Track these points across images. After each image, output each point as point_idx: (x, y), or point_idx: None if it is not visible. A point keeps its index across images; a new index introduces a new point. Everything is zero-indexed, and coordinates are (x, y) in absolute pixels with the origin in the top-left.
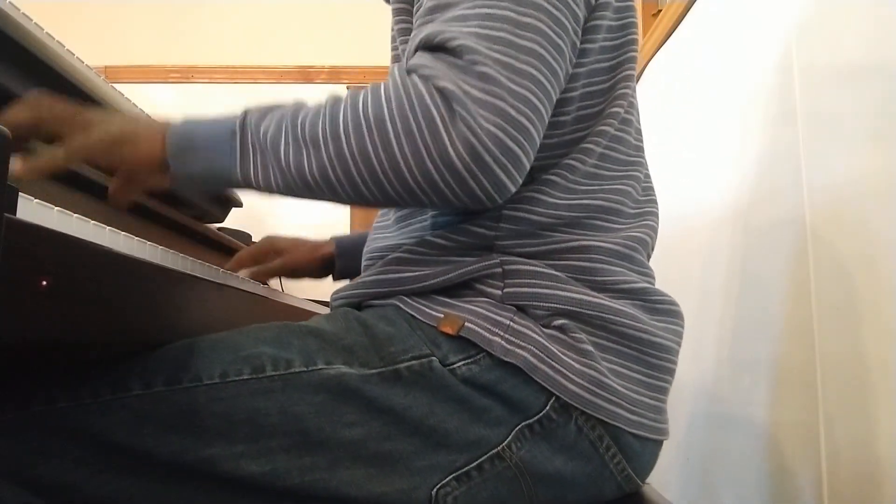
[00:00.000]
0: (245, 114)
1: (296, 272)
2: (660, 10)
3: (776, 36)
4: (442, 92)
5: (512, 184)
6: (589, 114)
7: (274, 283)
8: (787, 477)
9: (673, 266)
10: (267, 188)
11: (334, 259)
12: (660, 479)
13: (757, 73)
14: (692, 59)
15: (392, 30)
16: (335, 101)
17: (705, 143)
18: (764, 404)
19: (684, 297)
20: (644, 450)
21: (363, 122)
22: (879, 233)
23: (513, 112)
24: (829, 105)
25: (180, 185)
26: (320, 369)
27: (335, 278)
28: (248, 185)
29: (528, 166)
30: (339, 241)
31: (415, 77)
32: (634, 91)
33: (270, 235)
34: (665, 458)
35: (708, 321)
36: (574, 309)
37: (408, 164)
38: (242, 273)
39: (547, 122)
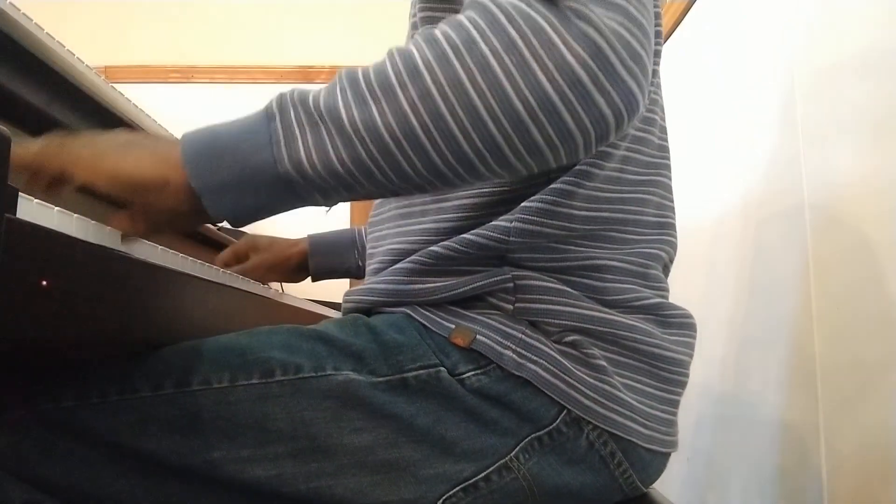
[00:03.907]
0: (281, 94)
1: (269, 272)
2: None
3: (776, 36)
4: None
5: (642, 94)
6: None
7: (274, 284)
8: (789, 477)
9: (677, 266)
10: (327, 170)
11: (308, 258)
12: (661, 479)
13: (757, 73)
14: (692, 59)
15: (413, 17)
16: (399, 48)
17: (705, 143)
18: (766, 404)
19: (687, 297)
20: (653, 462)
21: (448, 50)
22: (879, 231)
23: (634, 11)
24: (829, 105)
25: (209, 209)
26: (329, 375)
27: (313, 279)
28: (301, 173)
29: (651, 78)
30: (313, 240)
31: None
32: (658, 87)
33: (251, 234)
34: None
35: (710, 321)
36: (586, 325)
37: (515, 84)
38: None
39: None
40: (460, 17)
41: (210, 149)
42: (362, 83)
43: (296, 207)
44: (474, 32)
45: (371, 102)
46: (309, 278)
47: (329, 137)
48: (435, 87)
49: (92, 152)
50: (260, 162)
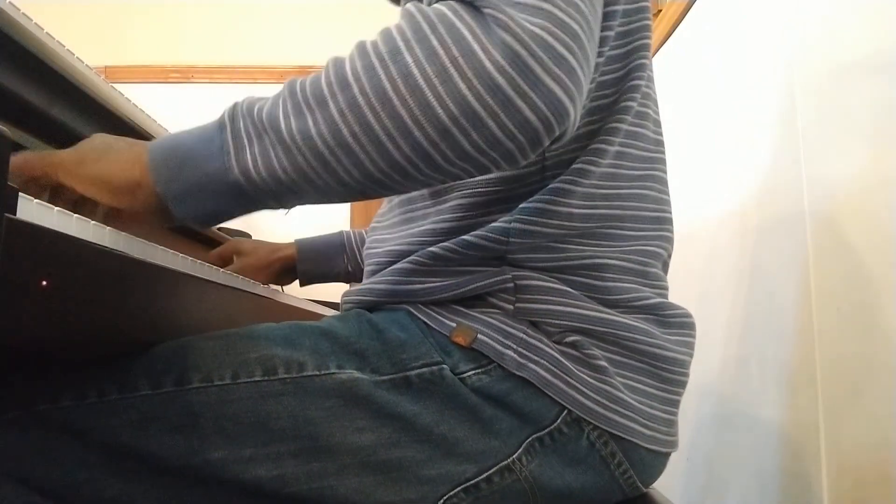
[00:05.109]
0: (233, 105)
1: (252, 276)
2: (660, 10)
3: (776, 36)
4: (467, 3)
5: (569, 100)
6: (601, 105)
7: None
8: (789, 477)
9: (676, 267)
10: (272, 178)
11: (295, 263)
12: (661, 479)
13: (757, 74)
14: (692, 59)
15: None
16: (336, 58)
17: (705, 144)
18: (766, 404)
19: (686, 297)
20: (654, 462)
21: (375, 60)
22: (879, 231)
23: (561, 14)
24: (829, 105)
25: (175, 212)
26: (332, 373)
27: (301, 284)
28: (249, 181)
29: (584, 82)
30: (301, 245)
31: (430, 2)
32: (650, 80)
33: (236, 238)
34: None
35: (710, 321)
36: (586, 326)
37: (436, 92)
38: None
39: (595, 51)
40: (391, 26)
41: (171, 157)
42: (299, 94)
43: (253, 211)
44: (400, 42)
45: (306, 113)
46: (297, 283)
47: (272, 147)
48: (362, 96)
49: (72, 157)
50: (213, 170)
